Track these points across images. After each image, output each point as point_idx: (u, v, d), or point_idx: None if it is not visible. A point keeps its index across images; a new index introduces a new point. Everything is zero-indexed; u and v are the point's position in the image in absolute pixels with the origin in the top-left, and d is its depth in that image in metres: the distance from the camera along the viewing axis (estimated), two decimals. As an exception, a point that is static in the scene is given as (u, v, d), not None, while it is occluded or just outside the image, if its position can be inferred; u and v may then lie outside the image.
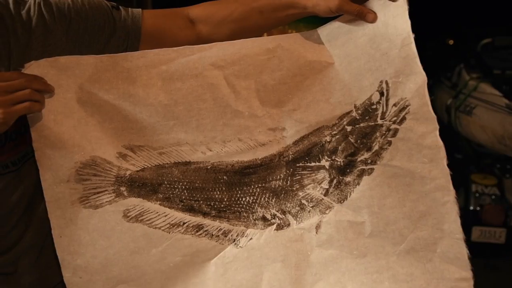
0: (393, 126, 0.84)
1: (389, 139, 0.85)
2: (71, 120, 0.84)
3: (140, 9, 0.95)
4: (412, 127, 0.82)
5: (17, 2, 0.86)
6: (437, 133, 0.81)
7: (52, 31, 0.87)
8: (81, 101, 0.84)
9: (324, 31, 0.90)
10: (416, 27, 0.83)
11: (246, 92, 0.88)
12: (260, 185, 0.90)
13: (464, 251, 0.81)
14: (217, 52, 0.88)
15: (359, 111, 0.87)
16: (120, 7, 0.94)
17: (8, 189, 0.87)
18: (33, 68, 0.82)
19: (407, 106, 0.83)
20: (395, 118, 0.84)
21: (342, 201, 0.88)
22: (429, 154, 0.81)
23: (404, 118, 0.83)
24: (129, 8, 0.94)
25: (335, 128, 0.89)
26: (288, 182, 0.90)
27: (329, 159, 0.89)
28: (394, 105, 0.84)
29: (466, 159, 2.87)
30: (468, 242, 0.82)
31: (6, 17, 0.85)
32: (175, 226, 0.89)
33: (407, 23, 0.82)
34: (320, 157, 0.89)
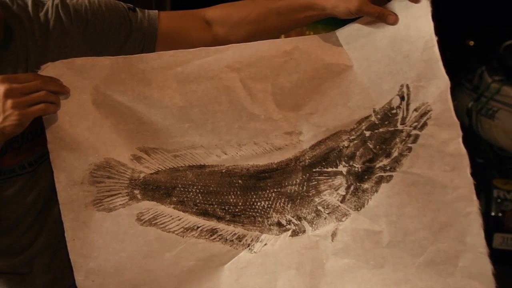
0: (413, 132, 0.82)
1: (409, 145, 0.82)
2: (86, 121, 0.83)
3: (157, 11, 0.94)
4: (434, 133, 0.80)
5: (35, 4, 0.87)
6: (460, 140, 0.78)
7: (69, 33, 0.86)
8: (96, 102, 0.84)
9: (342, 33, 0.88)
10: (434, 28, 0.80)
11: (262, 95, 0.87)
12: (275, 190, 0.88)
13: (488, 266, 0.78)
14: (233, 54, 0.86)
15: (378, 116, 0.85)
16: (137, 8, 0.93)
17: (25, 190, 0.87)
18: (49, 69, 0.81)
19: (429, 111, 0.80)
20: (416, 124, 0.81)
21: (359, 209, 0.85)
22: (452, 162, 0.78)
23: (425, 124, 0.81)
24: (146, 10, 0.94)
25: (353, 133, 0.86)
26: (304, 187, 0.88)
27: (347, 165, 0.86)
28: (415, 110, 0.81)
29: (487, 163, 2.80)
30: (489, 249, 0.79)
31: (24, 19, 0.85)
32: (189, 230, 0.88)
33: (430, 25, 0.79)
34: (337, 162, 0.87)
